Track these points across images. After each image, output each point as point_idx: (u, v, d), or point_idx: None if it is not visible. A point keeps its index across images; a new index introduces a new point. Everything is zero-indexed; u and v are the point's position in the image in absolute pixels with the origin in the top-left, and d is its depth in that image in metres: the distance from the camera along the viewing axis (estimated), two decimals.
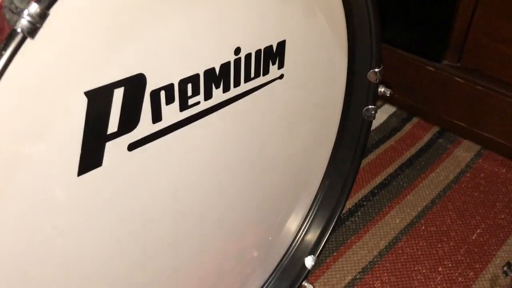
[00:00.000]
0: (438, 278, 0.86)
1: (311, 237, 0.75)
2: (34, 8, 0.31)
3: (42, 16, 0.32)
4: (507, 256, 0.90)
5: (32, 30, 0.31)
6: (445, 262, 0.88)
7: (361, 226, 0.94)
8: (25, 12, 0.31)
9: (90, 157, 0.43)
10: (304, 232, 0.75)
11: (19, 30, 0.31)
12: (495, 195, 1.02)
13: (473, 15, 1.07)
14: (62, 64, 0.37)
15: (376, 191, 1.02)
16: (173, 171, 0.51)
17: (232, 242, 0.66)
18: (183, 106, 0.49)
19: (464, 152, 1.13)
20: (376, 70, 0.66)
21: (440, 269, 0.87)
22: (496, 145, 1.12)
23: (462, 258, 0.89)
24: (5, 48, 0.31)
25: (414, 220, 0.96)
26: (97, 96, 0.41)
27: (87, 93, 0.40)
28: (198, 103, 0.50)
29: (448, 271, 0.87)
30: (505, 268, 0.79)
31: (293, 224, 0.75)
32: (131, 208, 0.49)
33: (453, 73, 1.13)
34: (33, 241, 0.42)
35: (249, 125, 0.58)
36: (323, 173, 0.74)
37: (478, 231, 0.95)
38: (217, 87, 0.51)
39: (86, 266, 0.48)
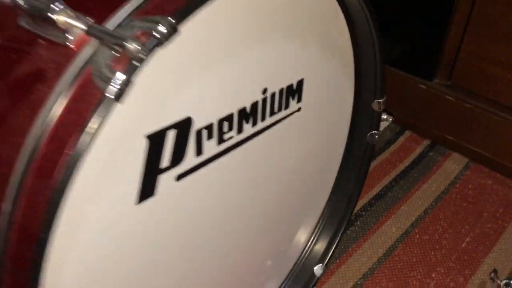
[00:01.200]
0: (432, 284, 0.94)
1: (320, 247, 0.83)
2: (121, 77, 0.39)
3: (127, 84, 0.39)
4: (494, 263, 0.98)
5: (119, 95, 0.39)
6: (437, 269, 0.97)
7: (360, 235, 1.02)
8: (114, 80, 0.38)
9: (146, 189, 0.50)
10: (313, 243, 0.83)
11: (109, 95, 0.38)
12: (482, 206, 1.11)
13: (463, 38, 1.15)
14: (132, 115, 0.44)
15: (373, 201, 1.10)
16: (212, 195, 0.59)
17: (252, 254, 0.74)
18: (220, 140, 0.56)
19: (453, 164, 1.22)
20: (380, 100, 0.74)
21: (433, 275, 0.96)
22: (483, 158, 1.21)
23: (453, 265, 0.98)
24: (96, 110, 0.38)
25: (409, 229, 1.05)
26: (155, 138, 0.48)
27: (148, 136, 0.47)
28: (232, 137, 0.58)
29: (440, 277, 0.95)
30: (492, 275, 0.88)
31: (302, 236, 0.83)
32: (179, 229, 0.56)
33: (444, 91, 1.22)
34: (103, 260, 0.49)
35: (271, 152, 0.65)
36: (329, 191, 0.82)
37: (467, 239, 1.03)
38: (247, 122, 0.59)
39: (144, 277, 0.55)
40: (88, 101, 0.39)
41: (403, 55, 1.26)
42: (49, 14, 0.43)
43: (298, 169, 0.73)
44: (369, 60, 0.70)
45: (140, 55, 0.38)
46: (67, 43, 0.43)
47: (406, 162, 1.22)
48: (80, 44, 0.42)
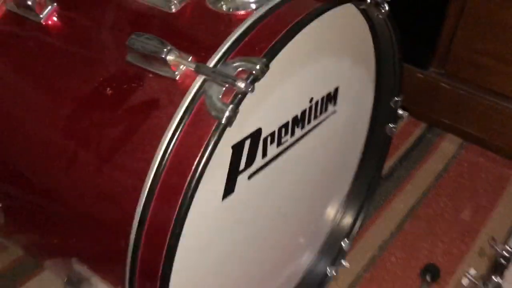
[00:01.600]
0: (439, 253, 1.08)
1: (346, 223, 0.96)
2: (231, 107, 0.50)
3: (236, 112, 0.50)
4: (490, 232, 1.13)
5: (231, 121, 0.50)
6: (442, 239, 1.11)
7: (373, 213, 1.16)
8: (226, 110, 0.50)
9: (229, 188, 0.62)
10: (339, 220, 0.96)
11: (222, 122, 0.50)
12: (477, 181, 1.25)
13: (456, 32, 1.28)
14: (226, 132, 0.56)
15: (382, 182, 1.23)
16: (271, 187, 0.71)
17: (293, 234, 0.86)
18: (279, 144, 0.68)
19: (449, 145, 1.35)
20: (398, 99, 0.86)
21: (439, 245, 1.10)
22: (475, 139, 1.35)
23: (456, 235, 1.12)
24: (213, 133, 0.50)
25: (415, 205, 1.19)
26: (237, 147, 0.60)
27: (232, 146, 0.59)
28: (286, 140, 0.70)
29: (446, 246, 1.09)
30: (491, 242, 1.03)
31: (330, 214, 0.96)
32: (249, 218, 0.69)
33: (439, 79, 1.35)
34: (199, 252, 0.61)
35: (313, 147, 0.78)
36: (353, 175, 0.95)
37: (466, 212, 1.18)
38: (297, 127, 0.71)
39: (227, 264, 0.68)
40: (204, 127, 0.51)
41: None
42: (161, 55, 0.54)
43: (331, 158, 0.85)
44: (389, 65, 0.82)
45: (246, 90, 0.50)
46: (175, 77, 0.54)
47: (407, 144, 1.35)
48: (187, 79, 0.54)
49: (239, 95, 0.51)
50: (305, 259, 0.94)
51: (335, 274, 0.95)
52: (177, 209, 0.50)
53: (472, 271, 0.98)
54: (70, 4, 0.64)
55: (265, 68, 0.51)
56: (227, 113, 0.50)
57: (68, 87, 0.60)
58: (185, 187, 0.50)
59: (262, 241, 0.76)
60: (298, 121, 0.70)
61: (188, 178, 0.50)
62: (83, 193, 0.58)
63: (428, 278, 1.01)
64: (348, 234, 0.95)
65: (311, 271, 0.94)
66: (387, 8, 0.68)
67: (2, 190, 0.67)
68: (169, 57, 0.54)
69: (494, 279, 0.96)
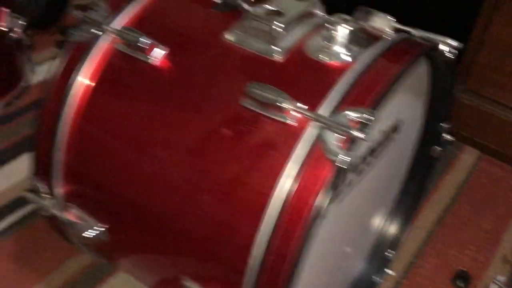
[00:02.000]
0: (467, 259, 1.18)
1: (390, 234, 1.06)
2: (349, 153, 0.59)
3: (353, 156, 0.59)
4: (510, 239, 1.23)
5: (350, 165, 0.59)
6: (469, 247, 1.21)
7: None
8: (344, 155, 0.59)
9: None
10: (385, 232, 1.06)
11: (342, 166, 0.59)
12: (496, 191, 1.36)
13: (479, 52, 1.38)
14: None
15: None
16: (349, 208, 0.80)
17: (354, 244, 0.96)
18: (358, 173, 0.77)
19: (469, 157, 1.46)
20: (446, 125, 0.96)
21: (467, 252, 1.20)
22: (493, 152, 1.46)
23: (480, 243, 1.22)
24: (334, 176, 0.59)
25: (442, 215, 1.29)
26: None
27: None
28: (363, 168, 0.78)
29: (472, 253, 1.20)
30: None
31: (376, 223, 1.05)
32: (336, 236, 0.78)
33: (461, 95, 1.45)
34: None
35: (376, 171, 0.87)
36: (398, 192, 1.05)
37: (488, 221, 1.28)
38: (372, 156, 0.80)
39: (321, 277, 0.77)
40: (323, 169, 0.59)
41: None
42: (278, 103, 0.62)
43: (387, 176, 0.95)
44: (442, 97, 0.92)
45: (362, 138, 0.58)
46: (288, 122, 0.63)
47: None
48: (300, 124, 0.62)
49: (355, 142, 0.59)
50: (355, 268, 1.04)
51: (380, 281, 1.04)
52: (299, 241, 0.59)
53: (500, 278, 1.08)
54: (181, 48, 0.72)
55: (374, 118, 0.60)
56: (345, 158, 0.58)
57: (187, 125, 0.68)
58: (307, 223, 0.59)
59: (339, 252, 0.85)
60: (372, 151, 0.79)
61: (310, 214, 0.59)
62: (203, 220, 0.66)
63: (460, 283, 1.11)
64: (392, 246, 1.05)
65: (359, 279, 1.04)
66: (452, 56, 0.77)
67: (116, 216, 0.75)
68: (284, 105, 0.62)
69: None
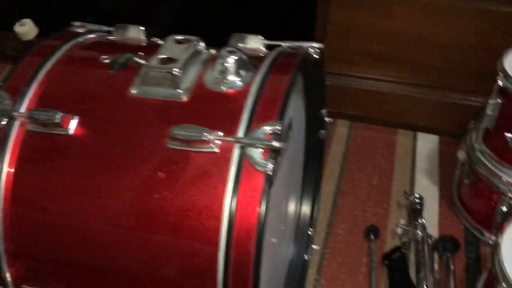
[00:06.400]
0: (369, 215, 1.37)
1: (306, 214, 1.20)
2: (273, 162, 0.70)
3: (278, 163, 0.70)
4: (397, 188, 1.44)
5: (277, 171, 0.70)
6: (368, 203, 1.40)
7: None
8: (270, 164, 0.70)
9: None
10: (300, 213, 1.20)
11: (270, 173, 0.70)
12: (374, 150, 1.57)
13: (325, 37, 1.58)
14: None
15: None
16: (276, 197, 0.92)
17: (284, 230, 1.08)
18: None
19: (342, 128, 1.66)
20: (323, 110, 1.12)
21: (367, 209, 1.39)
22: (360, 118, 1.67)
23: (376, 198, 1.42)
24: (267, 182, 0.70)
25: (338, 184, 1.46)
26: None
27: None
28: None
29: (372, 209, 1.39)
30: (404, 195, 1.34)
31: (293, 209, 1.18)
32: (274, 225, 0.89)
33: None
34: None
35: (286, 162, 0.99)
36: (302, 172, 1.19)
37: (375, 177, 1.48)
38: None
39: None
40: (256, 181, 0.70)
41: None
42: (203, 138, 0.72)
43: (291, 164, 1.08)
44: (316, 87, 1.07)
45: (280, 147, 0.70)
46: (215, 150, 0.72)
47: None
48: (228, 149, 0.72)
49: (275, 151, 0.71)
50: (287, 252, 1.16)
51: (310, 257, 1.18)
52: (256, 245, 0.69)
53: (402, 221, 1.28)
54: (93, 113, 0.78)
55: (288, 127, 0.72)
56: (272, 166, 0.70)
57: (122, 180, 0.74)
58: (257, 227, 0.69)
59: (273, 243, 0.97)
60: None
61: (257, 220, 0.69)
62: (165, 261, 0.73)
63: (372, 237, 1.29)
64: (311, 223, 1.19)
65: (294, 260, 1.17)
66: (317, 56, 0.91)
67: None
68: (208, 137, 0.72)
69: (419, 221, 1.27)
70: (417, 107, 1.60)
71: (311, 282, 1.20)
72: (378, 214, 1.38)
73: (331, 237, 1.31)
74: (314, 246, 1.20)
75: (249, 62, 0.81)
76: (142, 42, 0.92)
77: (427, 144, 1.60)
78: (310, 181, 1.20)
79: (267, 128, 0.72)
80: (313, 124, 1.14)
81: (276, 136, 0.71)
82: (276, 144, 0.70)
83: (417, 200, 1.33)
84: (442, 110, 1.58)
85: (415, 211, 1.31)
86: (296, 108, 1.04)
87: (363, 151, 1.58)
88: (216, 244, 0.70)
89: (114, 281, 0.78)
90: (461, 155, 1.33)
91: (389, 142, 1.61)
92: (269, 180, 0.70)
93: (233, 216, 0.70)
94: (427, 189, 1.44)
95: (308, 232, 1.19)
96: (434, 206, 1.39)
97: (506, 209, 1.18)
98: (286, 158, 1.02)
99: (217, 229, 0.70)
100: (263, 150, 0.71)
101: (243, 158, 0.71)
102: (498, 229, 1.06)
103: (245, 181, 0.71)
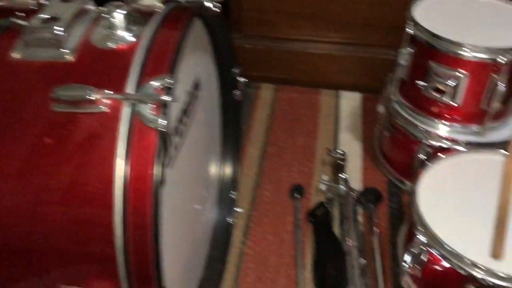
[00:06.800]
0: (295, 175, 1.36)
1: (228, 176, 1.18)
2: (163, 116, 0.67)
3: (168, 118, 0.67)
4: (321, 145, 1.44)
5: (167, 126, 0.67)
6: (293, 164, 1.40)
7: None
8: (160, 119, 0.66)
9: (164, 181, 0.78)
10: (222, 176, 1.17)
11: (162, 129, 0.67)
12: (298, 112, 1.56)
13: (241, 1, 1.54)
14: None
15: None
16: (184, 166, 0.89)
17: (201, 198, 1.06)
18: (180, 134, 0.86)
19: (266, 92, 1.64)
20: (235, 69, 1.09)
21: (293, 169, 1.38)
22: (284, 80, 1.66)
23: (301, 157, 1.41)
24: (160, 137, 0.66)
25: (263, 147, 1.45)
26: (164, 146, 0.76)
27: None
28: (182, 130, 0.87)
29: (297, 168, 1.38)
30: (327, 152, 1.34)
31: (214, 171, 1.16)
32: (179, 195, 0.86)
33: (241, 41, 1.61)
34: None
35: (197, 126, 0.96)
36: (220, 134, 1.16)
37: (300, 138, 1.48)
38: (185, 116, 0.89)
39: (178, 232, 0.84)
40: (149, 138, 0.67)
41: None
42: (88, 96, 0.67)
43: (206, 127, 1.05)
44: (224, 47, 1.04)
45: (171, 101, 0.67)
46: (104, 111, 0.68)
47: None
48: (116, 108, 0.68)
49: (164, 105, 0.67)
50: (210, 216, 1.14)
51: (235, 220, 1.17)
52: (151, 209, 0.66)
53: (325, 177, 1.28)
54: None
55: (174, 80, 0.68)
56: (163, 121, 0.66)
57: (6, 150, 0.69)
58: (152, 188, 0.66)
59: (191, 207, 0.94)
60: (185, 112, 0.88)
61: (152, 182, 0.66)
62: (60, 229, 0.69)
63: (297, 195, 1.28)
64: (233, 186, 1.17)
65: (218, 224, 1.15)
66: (218, 9, 0.88)
67: None
68: (94, 96, 0.68)
69: (341, 176, 1.27)
70: (338, 66, 1.60)
71: (237, 244, 1.18)
72: (303, 173, 1.37)
73: (257, 199, 1.30)
74: (237, 209, 1.18)
75: (141, 17, 0.77)
76: (30, 5, 0.86)
77: (349, 101, 1.61)
78: (230, 143, 1.17)
79: (156, 83, 0.68)
80: (227, 84, 1.11)
81: (167, 90, 0.68)
82: (165, 98, 0.67)
83: (339, 156, 1.34)
84: (363, 67, 1.58)
85: (338, 167, 1.32)
86: (204, 68, 1.01)
87: (288, 114, 1.57)
88: (110, 208, 0.67)
89: (12, 259, 0.74)
90: (381, 108, 1.34)
91: (313, 103, 1.60)
92: (163, 136, 0.67)
93: (127, 178, 0.67)
94: (350, 145, 1.44)
95: (231, 195, 1.17)
96: (358, 161, 1.40)
97: (423, 157, 1.20)
98: (199, 120, 1.00)
99: (110, 193, 0.67)
100: (154, 106, 0.67)
101: (134, 116, 0.68)
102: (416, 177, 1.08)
103: (137, 140, 0.67)
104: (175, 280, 0.87)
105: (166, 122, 0.67)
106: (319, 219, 1.20)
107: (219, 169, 1.17)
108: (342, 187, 1.25)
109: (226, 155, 1.18)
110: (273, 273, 1.13)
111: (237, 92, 1.12)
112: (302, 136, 1.49)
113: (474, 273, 0.92)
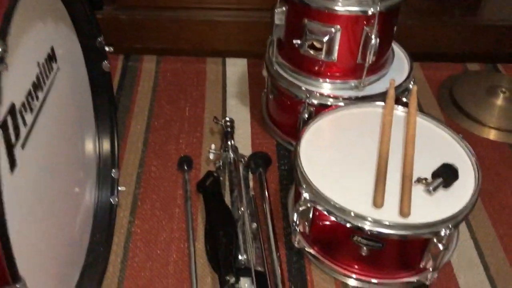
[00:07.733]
0: (183, 147, 1.32)
1: (106, 153, 1.11)
2: None
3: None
4: (211, 117, 1.39)
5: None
6: (181, 136, 1.35)
7: (121, 142, 1.31)
8: None
9: (13, 163, 0.71)
10: (101, 153, 1.10)
11: None
12: (182, 82, 1.51)
13: None
14: None
15: None
16: (46, 145, 0.81)
17: (76, 175, 0.98)
18: (31, 110, 0.78)
19: (149, 64, 1.57)
20: (100, 39, 1.01)
21: (180, 141, 1.33)
22: (166, 50, 1.59)
23: (187, 129, 1.36)
24: None
25: (148, 121, 1.39)
26: (3, 126, 0.68)
27: (0, 126, 0.68)
28: (35, 105, 0.79)
29: (185, 140, 1.33)
30: (214, 120, 1.30)
31: (91, 148, 1.09)
32: (44, 175, 0.79)
33: (115, 14, 1.52)
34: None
35: (60, 102, 0.88)
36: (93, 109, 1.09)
37: (187, 109, 1.43)
38: (39, 90, 0.81)
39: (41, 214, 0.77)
40: None
41: None
42: None
43: (74, 103, 0.97)
44: (82, 14, 0.96)
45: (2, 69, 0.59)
46: None
47: (118, 78, 1.52)
48: None
49: None
50: (90, 196, 1.07)
51: (117, 200, 1.10)
52: None
53: (213, 146, 1.24)
54: None
55: (5, 47, 0.61)
56: None
57: None
58: None
59: (64, 190, 0.87)
60: (37, 85, 0.80)
61: None
62: None
63: (185, 167, 1.24)
64: (113, 164, 1.11)
65: (99, 206, 1.08)
66: None
67: None
68: None
69: (229, 143, 1.24)
70: (222, 32, 1.56)
71: (124, 225, 1.12)
72: (192, 144, 1.33)
73: (144, 176, 1.24)
74: (120, 188, 1.11)
75: None
76: None
77: (236, 68, 1.57)
78: (104, 117, 1.10)
79: None
80: (92, 56, 1.03)
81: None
82: None
83: (227, 124, 1.30)
84: (247, 32, 1.55)
85: (226, 135, 1.28)
86: (63, 38, 0.92)
87: (173, 85, 1.51)
88: None
89: None
90: (264, 72, 1.32)
91: (199, 72, 1.56)
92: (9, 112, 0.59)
93: None
94: (238, 112, 1.42)
95: (112, 174, 1.10)
96: (247, 127, 1.38)
97: (307, 116, 1.19)
98: (63, 95, 0.91)
99: None
100: None
101: None
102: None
103: None
104: (43, 268, 0.81)
105: None
106: (208, 188, 1.17)
107: (96, 147, 1.10)
108: (230, 154, 1.22)
109: (102, 131, 1.10)
110: (163, 249, 1.08)
111: (105, 63, 1.05)
112: (189, 106, 1.44)
113: (360, 224, 0.93)
